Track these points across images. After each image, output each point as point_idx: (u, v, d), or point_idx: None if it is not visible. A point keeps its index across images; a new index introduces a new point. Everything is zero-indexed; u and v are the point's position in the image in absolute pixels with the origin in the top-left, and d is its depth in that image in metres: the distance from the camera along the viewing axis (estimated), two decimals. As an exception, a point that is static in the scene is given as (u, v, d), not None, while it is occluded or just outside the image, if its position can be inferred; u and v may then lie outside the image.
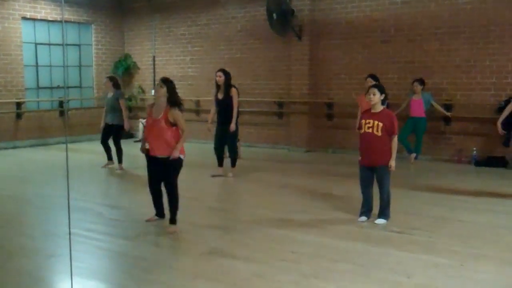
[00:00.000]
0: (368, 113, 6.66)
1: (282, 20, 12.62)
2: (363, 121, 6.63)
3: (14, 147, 13.49)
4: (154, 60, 15.76)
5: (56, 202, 7.87)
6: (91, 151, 12.86)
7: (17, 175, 10.23)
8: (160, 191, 6.65)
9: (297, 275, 4.95)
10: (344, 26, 12.53)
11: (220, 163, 9.87)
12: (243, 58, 14.04)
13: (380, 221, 6.68)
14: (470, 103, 11.16)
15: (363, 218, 6.79)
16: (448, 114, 11.17)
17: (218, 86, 9.56)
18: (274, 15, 12.50)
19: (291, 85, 13.28)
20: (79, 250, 5.60)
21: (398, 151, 11.21)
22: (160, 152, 6.35)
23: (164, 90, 6.30)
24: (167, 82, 6.41)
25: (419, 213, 7.25)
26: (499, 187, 8.84)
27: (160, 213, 6.83)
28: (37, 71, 14.55)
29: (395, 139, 6.60)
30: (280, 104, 13.59)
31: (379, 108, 6.59)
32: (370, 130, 6.52)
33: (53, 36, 14.77)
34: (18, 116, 14.00)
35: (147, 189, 6.76)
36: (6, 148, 13.45)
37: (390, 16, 11.95)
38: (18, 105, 13.98)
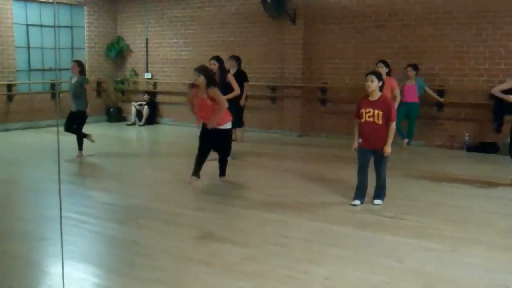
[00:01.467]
0: (367, 101, 6.62)
1: (277, 3, 12.54)
2: (363, 110, 6.59)
3: (5, 130, 13.40)
4: (147, 43, 15.66)
5: (47, 185, 7.83)
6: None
7: (8, 158, 10.18)
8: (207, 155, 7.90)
9: (290, 259, 4.97)
10: (338, 11, 12.47)
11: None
12: (236, 42, 13.97)
13: (378, 201, 6.83)
14: (463, 89, 11.18)
15: (357, 201, 6.81)
16: (441, 99, 11.18)
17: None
18: (268, -2, 12.41)
19: (284, 69, 13.24)
20: (71, 233, 5.59)
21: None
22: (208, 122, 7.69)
23: (202, 77, 7.49)
24: (202, 70, 7.59)
25: (411, 198, 7.28)
26: (490, 172, 8.88)
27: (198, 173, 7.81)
28: (28, 53, 14.42)
29: (393, 125, 6.58)
30: (274, 88, 13.55)
31: (377, 95, 6.58)
32: (371, 119, 6.53)
33: (45, 18, 14.61)
34: (9, 98, 13.90)
35: (138, 173, 6.74)
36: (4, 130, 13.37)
37: (384, 1, 11.89)
38: (9, 87, 13.87)
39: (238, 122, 10.78)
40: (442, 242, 5.47)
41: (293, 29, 12.92)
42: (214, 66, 9.48)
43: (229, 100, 9.67)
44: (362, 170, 6.81)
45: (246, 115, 13.77)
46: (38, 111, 14.33)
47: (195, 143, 10.82)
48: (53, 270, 4.77)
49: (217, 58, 9.65)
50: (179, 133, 13.38)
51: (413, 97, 10.92)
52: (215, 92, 7.63)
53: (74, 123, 9.96)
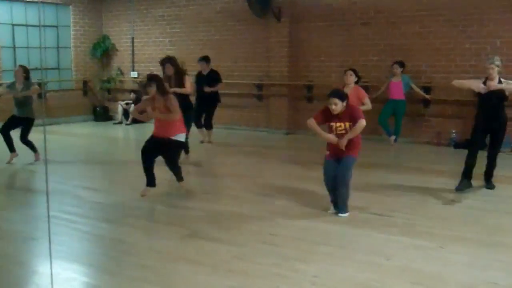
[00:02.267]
0: (333, 116, 6.25)
1: (261, 1, 12.54)
2: (332, 124, 6.27)
3: None
4: (133, 42, 15.59)
5: (35, 185, 7.80)
6: (69, 134, 12.74)
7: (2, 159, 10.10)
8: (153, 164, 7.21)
9: (278, 257, 4.98)
10: (323, 8, 12.49)
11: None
12: (222, 40, 13.96)
13: (343, 214, 6.33)
14: (449, 86, 11.15)
15: (332, 209, 6.46)
16: (428, 96, 11.25)
17: (168, 78, 9.01)
18: (254, -4, 12.42)
19: (270, 67, 13.25)
20: (59, 233, 5.57)
21: (377, 133, 11.42)
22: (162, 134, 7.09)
23: (154, 88, 7.06)
24: (154, 80, 7.14)
25: (399, 195, 7.32)
26: (477, 169, 8.93)
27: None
28: (14, 53, 14.32)
29: (361, 122, 6.17)
30: (260, 87, 13.56)
31: (343, 109, 6.24)
32: (343, 132, 6.23)
33: (30, 17, 14.50)
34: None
35: (125, 172, 6.72)
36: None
37: (370, -2, 11.95)
38: (-5, 87, 13.75)
39: (207, 123, 11.08)
40: (430, 239, 5.50)
41: (278, 27, 12.93)
42: (169, 69, 9.10)
43: (202, 101, 9.90)
44: (327, 183, 6.42)
45: (233, 114, 13.82)
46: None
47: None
48: (42, 269, 4.75)
49: (171, 60, 9.22)
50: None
51: (399, 94, 11.00)
52: (171, 102, 7.10)
53: (14, 128, 9.43)
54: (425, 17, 11.34)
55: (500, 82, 7.36)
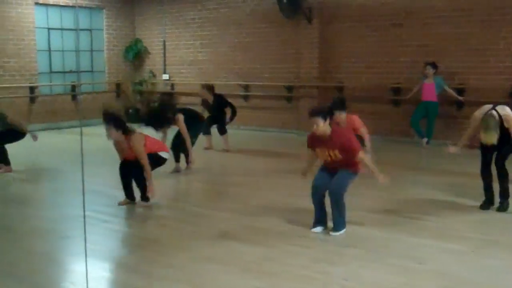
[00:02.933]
0: (319, 140, 5.66)
1: (292, 3, 12.54)
2: (318, 149, 5.72)
3: (28, 131, 13.54)
4: (164, 45, 15.75)
5: (68, 185, 7.95)
6: (102, 135, 12.92)
7: (31, 159, 10.30)
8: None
9: (307, 259, 4.98)
10: (354, 9, 12.43)
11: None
12: (252, 42, 14.00)
13: (335, 233, 5.71)
14: (483, 87, 11.05)
15: (317, 228, 5.83)
16: (461, 98, 11.08)
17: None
18: (284, -2, 12.43)
19: (300, 69, 13.23)
20: (92, 232, 5.64)
21: (409, 135, 11.32)
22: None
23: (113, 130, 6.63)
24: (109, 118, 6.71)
25: (431, 198, 7.24)
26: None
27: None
28: (49, 56, 14.61)
29: (364, 156, 5.69)
30: (289, 88, 13.55)
31: (327, 132, 5.60)
32: (329, 159, 5.65)
33: (65, 21, 14.80)
34: (32, 100, 14.09)
35: (158, 172, 6.79)
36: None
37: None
38: (32, 89, 14.07)
39: (221, 129, 10.91)
40: (463, 243, 5.42)
41: (309, 29, 12.91)
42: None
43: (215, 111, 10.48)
44: (313, 192, 5.84)
45: (262, 116, 13.85)
46: (59, 112, 14.50)
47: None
48: (76, 267, 4.86)
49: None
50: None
51: (432, 95, 10.88)
52: (136, 142, 6.64)
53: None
54: (459, 18, 11.17)
55: None
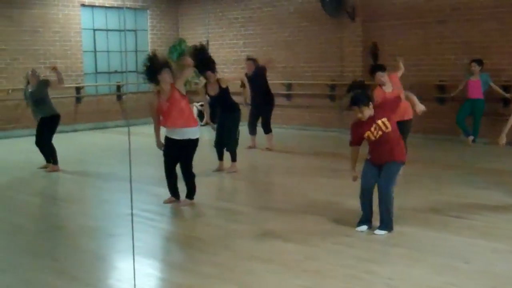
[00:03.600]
0: (364, 123, 5.65)
1: (335, 1, 12.49)
2: (368, 132, 5.60)
3: (74, 131, 13.88)
4: (208, 45, 15.87)
5: (115, 183, 8.11)
6: (147, 135, 13.12)
7: (77, 157, 10.55)
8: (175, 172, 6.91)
9: (351, 258, 4.95)
10: (398, 7, 12.28)
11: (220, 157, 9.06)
12: (295, 41, 13.99)
13: (380, 232, 5.63)
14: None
15: (362, 227, 5.76)
16: (507, 95, 10.82)
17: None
18: (327, -4, 12.39)
19: (344, 67, 13.15)
20: (137, 230, 5.73)
21: (454, 133, 11.12)
22: (180, 124, 6.65)
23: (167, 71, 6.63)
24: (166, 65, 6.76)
25: (477, 197, 7.10)
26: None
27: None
28: (95, 57, 14.93)
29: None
30: (333, 87, 13.49)
31: (371, 112, 5.62)
32: (381, 133, 5.58)
33: (110, 22, 15.11)
34: (78, 100, 14.43)
35: (200, 171, 6.87)
36: (66, 132, 13.84)
37: (447, -5, 11.64)
38: (78, 89, 14.41)
39: (266, 127, 10.82)
40: (509, 242, 5.32)
41: (352, 27, 12.82)
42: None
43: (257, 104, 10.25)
44: (363, 191, 5.75)
45: (305, 114, 13.83)
46: (104, 112, 14.81)
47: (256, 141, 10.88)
48: (122, 265, 4.96)
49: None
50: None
51: (477, 93, 10.67)
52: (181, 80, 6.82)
53: (45, 131, 9.09)
54: (505, 14, 10.90)
55: None
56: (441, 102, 11.76)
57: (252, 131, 10.84)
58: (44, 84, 9.14)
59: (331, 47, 13.36)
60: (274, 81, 14.20)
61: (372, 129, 5.58)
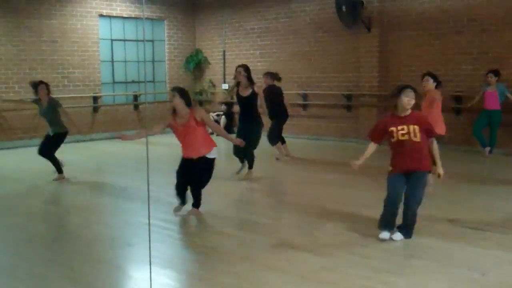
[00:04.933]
0: (396, 118, 5.58)
1: (352, 12, 12.52)
2: (393, 128, 5.50)
3: (91, 140, 14.00)
4: (224, 55, 15.97)
5: (131, 193, 8.16)
6: (163, 144, 13.20)
7: (95, 167, 10.64)
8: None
9: (367, 269, 4.94)
10: (414, 17, 12.29)
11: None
12: (311, 51, 14.04)
13: (398, 236, 5.65)
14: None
15: (385, 234, 5.70)
16: (525, 106, 10.76)
17: (238, 83, 9.05)
18: (344, 7, 12.42)
19: (360, 78, 13.16)
20: (154, 239, 5.74)
21: (471, 144, 11.06)
22: (195, 154, 6.61)
23: (178, 98, 6.55)
24: (177, 89, 6.74)
25: (494, 208, 7.06)
26: None
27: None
28: (112, 67, 15.09)
29: (435, 143, 5.73)
30: (349, 97, 13.49)
31: (409, 110, 5.57)
32: (406, 137, 5.46)
33: (128, 33, 15.27)
34: (95, 109, 14.58)
35: (216, 181, 6.89)
36: (83, 141, 13.99)
37: (463, 6, 11.61)
38: (95, 99, 14.57)
39: (279, 137, 10.71)
40: (527, 254, 5.29)
41: (368, 37, 12.84)
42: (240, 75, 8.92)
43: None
44: (393, 201, 5.66)
45: (321, 124, 13.84)
46: (121, 121, 14.93)
47: (268, 151, 10.90)
48: (138, 274, 4.98)
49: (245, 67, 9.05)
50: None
51: (494, 104, 10.62)
52: (203, 113, 6.74)
53: (51, 145, 9.19)
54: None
55: None
56: (458, 113, 11.71)
57: (273, 141, 10.74)
58: (55, 106, 9.14)
59: (347, 58, 13.39)
60: (291, 91, 14.27)
61: (399, 127, 5.48)
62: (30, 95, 13.33)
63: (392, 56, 12.73)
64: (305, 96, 14.25)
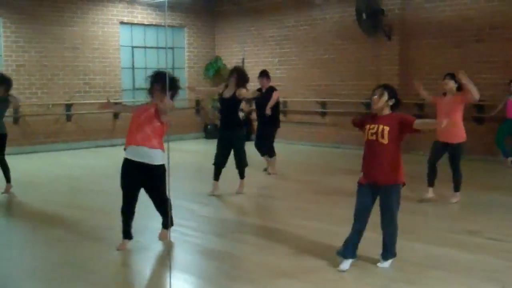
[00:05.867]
0: (374, 117, 5.19)
1: (372, 20, 12.50)
2: (366, 126, 5.16)
3: (112, 145, 14.12)
4: (243, 62, 16.02)
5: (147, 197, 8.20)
6: (182, 150, 13.28)
7: (115, 171, 10.69)
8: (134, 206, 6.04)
9: (385, 278, 4.92)
10: (435, 25, 12.23)
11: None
12: (330, 59, 14.03)
13: (384, 264, 5.22)
14: None
15: (346, 263, 5.15)
16: (548, 116, 10.63)
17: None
18: (364, 15, 12.41)
19: (380, 86, 13.10)
20: (173, 244, 5.83)
21: (493, 154, 10.94)
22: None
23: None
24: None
25: (515, 219, 6.97)
26: None
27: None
28: (133, 73, 15.22)
29: (419, 121, 5.02)
30: (368, 105, 13.41)
31: (386, 111, 5.13)
32: (373, 137, 5.07)
33: (149, 40, 15.40)
34: (115, 116, 14.69)
35: (234, 187, 6.85)
36: (104, 146, 14.16)
37: (485, 14, 11.52)
38: (115, 105, 14.69)
39: (270, 150, 10.15)
40: (549, 266, 5.21)
41: (388, 45, 12.80)
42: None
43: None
44: (360, 216, 5.23)
45: (340, 132, 13.81)
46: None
47: (291, 159, 10.88)
48: (157, 279, 5.01)
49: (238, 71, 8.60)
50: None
51: (517, 113, 10.52)
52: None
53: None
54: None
55: None
56: (480, 122, 11.61)
57: (263, 150, 10.25)
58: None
59: (367, 66, 13.35)
60: (309, 99, 14.28)
61: (372, 126, 5.07)
62: (53, 100, 13.63)
63: (412, 64, 12.67)
64: (323, 104, 14.23)
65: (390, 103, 5.09)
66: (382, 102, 5.07)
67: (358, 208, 5.21)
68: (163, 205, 5.85)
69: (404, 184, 5.18)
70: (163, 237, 5.97)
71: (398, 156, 5.07)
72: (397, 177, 5.08)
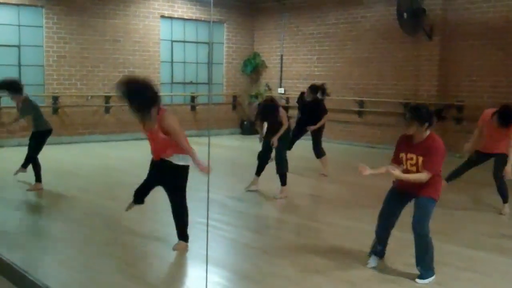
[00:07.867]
0: (409, 144, 5.00)
1: (413, 19, 12.37)
2: (402, 154, 5.00)
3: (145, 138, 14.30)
4: (281, 59, 16.05)
5: (188, 192, 8.29)
6: (218, 145, 13.38)
7: (146, 165, 10.84)
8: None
9: (415, 278, 4.89)
10: (478, 27, 12.03)
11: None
12: (370, 58, 13.94)
13: (421, 280, 4.88)
14: None
15: (372, 261, 5.27)
16: None
17: None
18: (405, 14, 12.29)
19: (418, 86, 12.97)
20: (206, 238, 5.90)
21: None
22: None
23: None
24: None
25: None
26: None
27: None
28: (172, 67, 15.38)
29: (423, 175, 4.80)
30: (406, 105, 13.30)
31: (423, 137, 4.91)
32: (414, 169, 4.89)
33: (188, 34, 15.56)
34: (153, 109, 14.87)
35: (268, 185, 6.89)
36: (141, 139, 14.31)
37: (530, 16, 11.31)
38: (154, 98, 14.87)
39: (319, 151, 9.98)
40: None
41: (429, 45, 12.65)
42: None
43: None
44: (386, 218, 5.21)
45: (377, 132, 13.72)
46: (179, 121, 15.14)
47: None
48: (192, 272, 5.10)
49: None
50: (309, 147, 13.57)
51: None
52: (171, 122, 5.89)
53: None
54: None
55: None
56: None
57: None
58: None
59: (406, 66, 13.23)
60: (347, 98, 14.22)
61: (410, 155, 4.91)
62: (93, 91, 13.87)
63: (452, 66, 12.50)
64: (361, 103, 14.16)
65: (424, 128, 4.84)
66: (413, 131, 4.88)
67: (384, 209, 5.23)
68: (179, 211, 5.80)
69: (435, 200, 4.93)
70: (179, 248, 5.65)
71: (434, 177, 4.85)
72: (432, 193, 4.89)
